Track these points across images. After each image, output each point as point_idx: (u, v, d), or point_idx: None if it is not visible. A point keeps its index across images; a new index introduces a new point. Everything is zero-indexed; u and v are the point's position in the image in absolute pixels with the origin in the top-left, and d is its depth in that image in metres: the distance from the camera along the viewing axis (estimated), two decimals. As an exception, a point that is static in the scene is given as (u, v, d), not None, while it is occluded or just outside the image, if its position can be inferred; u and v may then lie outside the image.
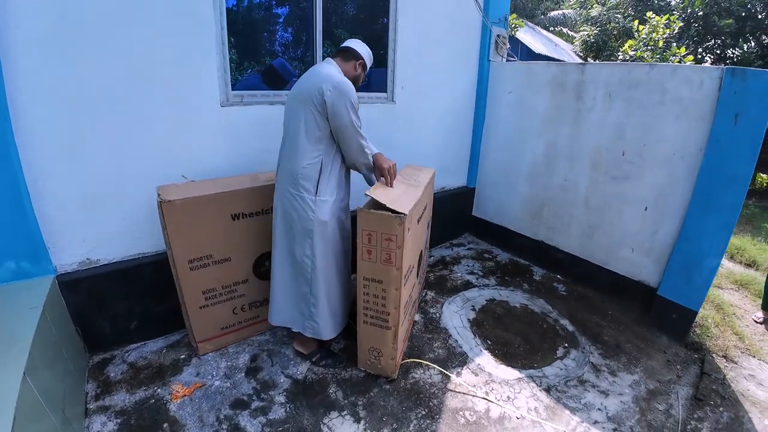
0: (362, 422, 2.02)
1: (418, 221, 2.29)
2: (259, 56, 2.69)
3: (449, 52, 3.49)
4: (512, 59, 3.94)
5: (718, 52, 9.83)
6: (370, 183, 2.19)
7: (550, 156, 3.50)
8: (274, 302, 2.29)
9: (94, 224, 2.19)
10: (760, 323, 3.33)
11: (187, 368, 2.31)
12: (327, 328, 2.23)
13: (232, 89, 2.46)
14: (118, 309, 2.35)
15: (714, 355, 2.82)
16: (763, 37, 9.38)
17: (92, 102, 2.01)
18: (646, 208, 2.99)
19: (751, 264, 4.35)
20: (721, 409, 2.36)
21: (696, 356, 2.80)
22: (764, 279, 3.49)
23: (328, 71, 1.99)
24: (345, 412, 2.07)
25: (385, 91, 3.19)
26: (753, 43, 9.34)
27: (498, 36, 3.67)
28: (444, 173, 3.80)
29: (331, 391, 2.20)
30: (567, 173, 3.40)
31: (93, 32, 1.94)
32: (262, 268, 2.46)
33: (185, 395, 2.12)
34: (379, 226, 1.89)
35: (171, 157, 2.32)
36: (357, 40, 2.20)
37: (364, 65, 2.18)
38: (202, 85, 2.32)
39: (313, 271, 2.11)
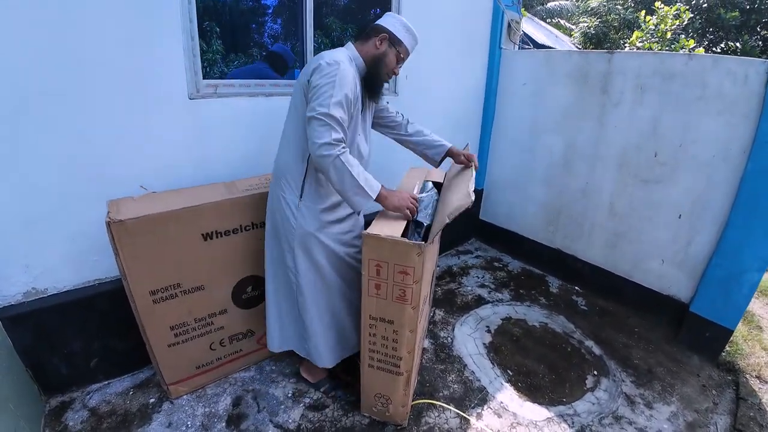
0: (368, 484, 1.67)
1: (434, 241, 1.90)
2: (246, 48, 2.32)
3: (457, 38, 3.09)
4: (527, 47, 3.55)
5: (722, 45, 9.72)
6: (350, 204, 1.62)
7: (569, 156, 3.14)
8: (269, 323, 1.95)
9: (38, 248, 1.78)
10: None
11: (158, 416, 1.93)
12: (321, 355, 1.88)
13: (206, 78, 2.02)
14: (75, 345, 1.97)
15: (747, 375, 2.56)
16: (765, 31, 9.28)
17: (25, 99, 1.58)
18: (680, 216, 2.67)
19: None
20: None
21: (729, 378, 2.53)
22: None
23: (331, 52, 1.62)
24: (347, 471, 1.72)
25: (388, 82, 2.78)
26: (756, 37, 9.25)
27: (511, 20, 3.27)
28: (452, 173, 3.44)
29: (329, 442, 1.85)
30: (589, 175, 3.05)
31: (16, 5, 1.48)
32: (243, 295, 2.08)
33: None
34: (392, 255, 1.50)
35: (127, 163, 1.88)
36: (390, 14, 1.76)
37: (392, 40, 1.67)
38: (164, 72, 1.86)
39: (297, 288, 1.77)
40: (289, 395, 2.10)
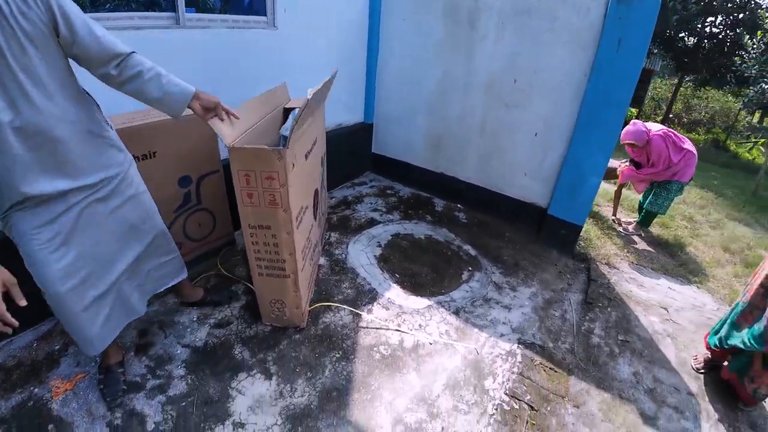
0: (274, 378, 1.89)
1: (306, 156, 2.07)
2: None
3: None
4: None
5: None
6: (169, 109, 1.47)
7: (445, 86, 3.44)
8: None
9: None
10: (634, 233, 3.82)
11: (65, 359, 1.95)
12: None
13: None
14: None
15: (598, 263, 3.16)
16: None
17: None
18: (536, 134, 3.11)
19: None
20: (609, 309, 2.66)
21: (583, 266, 3.11)
22: (638, 197, 4.02)
23: None
24: (254, 371, 1.92)
25: (265, 15, 2.78)
26: None
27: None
28: (339, 109, 3.56)
29: (236, 352, 2.01)
30: (463, 102, 3.39)
31: None
32: None
33: (67, 389, 1.80)
34: (257, 163, 1.63)
35: None
36: None
37: None
38: None
39: None
40: (194, 320, 2.20)
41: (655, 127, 3.49)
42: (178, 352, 2.00)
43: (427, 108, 3.62)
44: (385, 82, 3.73)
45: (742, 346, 1.97)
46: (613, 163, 3.90)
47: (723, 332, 2.12)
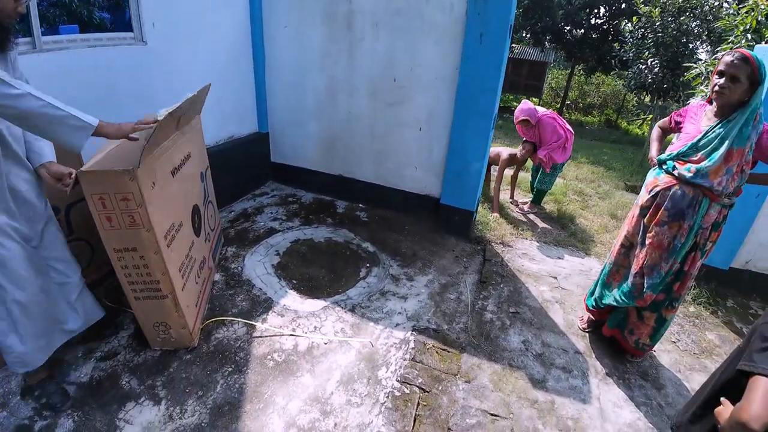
0: (163, 402, 1.83)
1: (174, 173, 2.02)
2: None
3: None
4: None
5: None
6: (67, 145, 1.45)
7: (332, 90, 3.51)
8: None
9: None
10: (529, 211, 4.15)
11: None
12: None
13: None
14: None
15: (493, 243, 3.39)
16: None
17: None
18: (420, 129, 3.27)
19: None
20: (501, 285, 2.86)
21: (479, 248, 3.31)
22: (530, 177, 4.34)
23: None
24: (142, 399, 1.84)
25: (131, 30, 2.65)
26: None
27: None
28: (228, 121, 3.49)
29: (124, 382, 1.92)
30: (350, 105, 3.48)
31: None
32: None
33: None
34: (109, 186, 1.59)
35: None
36: None
37: None
38: None
39: None
40: (80, 356, 2.05)
41: (542, 110, 3.83)
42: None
43: (317, 113, 3.66)
44: (275, 90, 3.73)
45: (615, 303, 2.18)
46: (505, 151, 4.20)
47: (597, 293, 2.35)
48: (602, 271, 2.34)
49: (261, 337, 2.22)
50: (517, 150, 4.06)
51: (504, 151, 4.18)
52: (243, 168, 3.63)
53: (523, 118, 3.72)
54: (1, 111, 1.30)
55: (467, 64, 2.92)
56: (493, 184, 4.07)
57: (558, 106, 14.11)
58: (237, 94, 3.56)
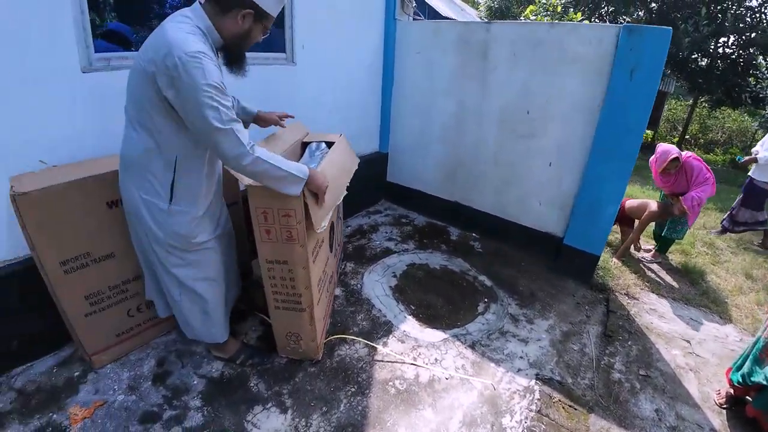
0: (289, 411, 1.89)
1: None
2: (145, 20, 2.30)
3: (353, 9, 3.25)
4: (418, 18, 3.82)
5: (610, 18, 10.64)
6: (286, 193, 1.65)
7: (459, 116, 3.49)
8: (151, 295, 2.03)
9: None
10: (653, 260, 3.76)
11: (84, 386, 1.98)
12: (209, 335, 1.99)
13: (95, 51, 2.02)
14: None
15: (617, 293, 3.11)
16: (652, 3, 10.27)
17: None
18: (550, 163, 3.13)
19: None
20: (629, 343, 2.60)
21: (601, 296, 3.06)
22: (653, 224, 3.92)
23: (176, 35, 1.32)
24: (270, 404, 1.92)
25: (284, 51, 2.88)
26: (641, 12, 10.19)
27: (404, -8, 3.52)
28: (354, 138, 3.62)
29: (252, 384, 2.03)
30: (477, 132, 3.43)
31: None
32: None
33: (85, 417, 1.82)
34: (274, 201, 1.69)
35: (25, 139, 1.84)
36: None
37: (257, 14, 1.46)
38: (56, 45, 1.84)
39: (168, 288, 1.85)
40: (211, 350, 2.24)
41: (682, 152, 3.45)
42: (195, 382, 2.03)
43: (441, 138, 3.67)
44: (400, 112, 3.81)
45: (766, 383, 1.92)
46: (653, 203, 3.75)
47: (745, 368, 2.06)
48: (754, 344, 2.05)
49: (382, 361, 2.22)
50: (675, 206, 3.49)
51: (652, 202, 3.74)
52: (361, 185, 3.74)
53: (674, 156, 3.28)
54: (244, 174, 1.54)
55: (612, 100, 2.73)
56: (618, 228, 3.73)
57: (676, 140, 12.85)
58: (365, 113, 3.70)
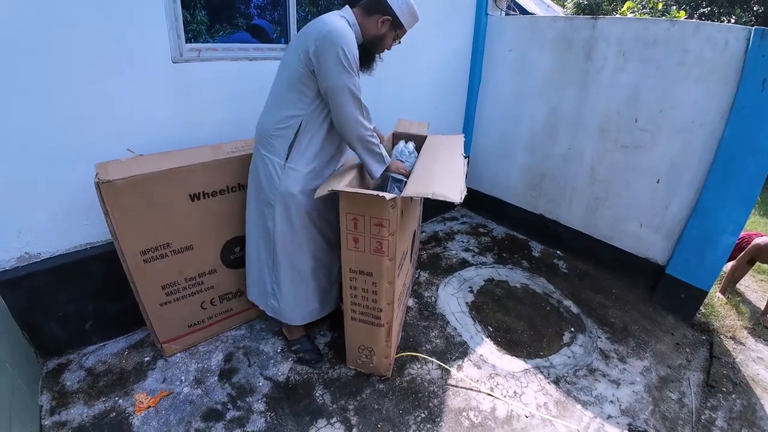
0: (354, 430, 1.77)
1: (412, 198, 1.97)
2: (231, 18, 2.32)
3: (443, 2, 3.06)
4: (513, 13, 3.54)
5: (713, 19, 9.65)
6: (369, 171, 1.81)
7: (552, 122, 3.18)
8: (248, 275, 2.04)
9: (28, 213, 1.80)
10: None
11: (152, 373, 2.01)
12: (289, 313, 1.97)
13: (188, 42, 2.03)
14: (69, 308, 2.01)
15: (722, 336, 2.68)
16: (756, 7, 9.24)
17: (4, 60, 1.56)
18: (658, 181, 2.74)
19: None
20: (733, 396, 2.22)
21: (704, 338, 2.65)
22: None
23: (331, 19, 1.59)
24: (334, 419, 1.82)
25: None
26: (749, 12, 9.23)
27: (498, -14, 3.27)
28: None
29: (317, 394, 1.94)
30: (571, 141, 3.10)
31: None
32: (231, 255, 2.14)
33: (150, 406, 1.83)
34: (367, 209, 1.57)
35: (113, 126, 1.88)
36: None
37: (394, 22, 1.69)
38: (147, 35, 1.86)
39: (274, 247, 1.83)
40: (279, 351, 2.19)
41: None
42: (260, 383, 1.99)
43: (528, 145, 3.37)
44: (485, 116, 3.56)
45: None
46: None
47: None
48: None
49: (456, 387, 2.03)
50: None
51: None
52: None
53: None
54: (351, 137, 1.71)
55: (740, 113, 2.32)
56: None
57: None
58: (447, 117, 3.51)
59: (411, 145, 2.16)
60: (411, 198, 1.96)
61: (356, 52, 1.59)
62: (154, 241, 1.85)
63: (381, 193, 1.50)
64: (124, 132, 1.93)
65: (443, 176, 1.75)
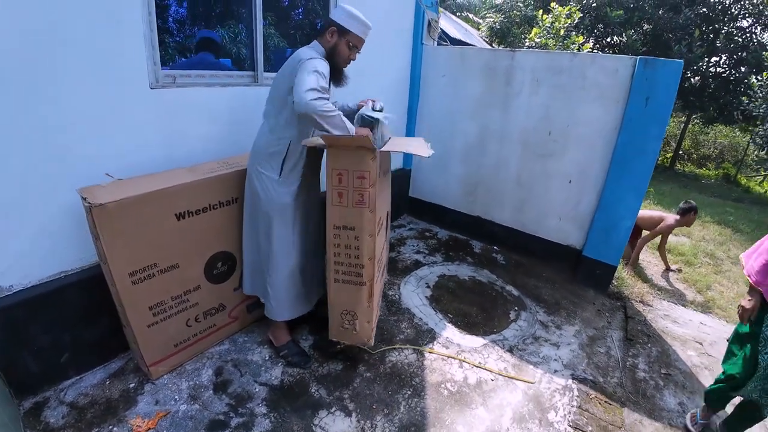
0: (354, 414, 1.99)
1: (385, 173, 2.27)
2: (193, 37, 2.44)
3: (387, 32, 3.42)
4: (444, 43, 4.05)
5: (607, 39, 11.11)
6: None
7: (483, 137, 3.70)
8: (244, 270, 2.27)
9: (1, 243, 1.72)
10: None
11: (142, 397, 1.97)
12: (278, 310, 2.19)
13: (163, 68, 2.11)
14: (43, 341, 1.91)
15: (633, 301, 3.30)
16: (646, 26, 10.77)
17: None
18: (570, 182, 3.33)
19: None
20: (649, 345, 2.79)
21: (619, 304, 3.25)
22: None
23: (305, 51, 1.87)
24: (333, 408, 2.02)
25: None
26: (638, 31, 10.68)
27: (431, 19, 3.74)
28: (383, 156, 3.82)
29: (313, 390, 2.12)
30: (499, 153, 3.64)
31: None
32: (214, 270, 2.21)
33: (150, 428, 1.81)
34: (351, 163, 1.78)
35: (91, 151, 1.89)
36: (339, 5, 1.99)
37: (339, 30, 1.90)
38: (126, 62, 1.91)
39: (270, 250, 2.08)
40: (267, 359, 2.29)
41: None
42: (257, 390, 2.08)
43: (463, 157, 3.87)
44: (424, 131, 4.02)
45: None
46: (671, 217, 3.90)
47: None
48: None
49: (431, 365, 2.35)
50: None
51: (670, 216, 3.96)
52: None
53: None
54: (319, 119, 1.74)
55: (629, 125, 2.95)
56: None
57: (670, 155, 13.26)
58: (392, 134, 3.85)
59: (379, 103, 2.22)
60: (385, 172, 2.25)
61: (326, 68, 1.82)
62: (143, 261, 1.87)
63: (362, 148, 1.75)
64: (103, 156, 1.94)
65: (412, 143, 2.15)
